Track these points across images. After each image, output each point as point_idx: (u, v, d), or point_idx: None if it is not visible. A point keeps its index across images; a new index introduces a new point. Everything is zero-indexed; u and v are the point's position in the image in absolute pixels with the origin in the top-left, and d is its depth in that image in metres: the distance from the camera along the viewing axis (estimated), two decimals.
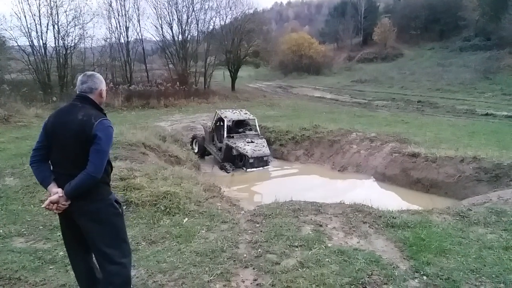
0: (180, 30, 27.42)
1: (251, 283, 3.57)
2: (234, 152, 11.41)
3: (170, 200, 5.53)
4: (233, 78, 30.63)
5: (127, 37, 26.69)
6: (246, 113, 12.90)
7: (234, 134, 11.99)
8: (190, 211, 5.36)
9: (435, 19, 44.24)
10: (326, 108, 22.00)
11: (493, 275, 3.64)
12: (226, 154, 11.60)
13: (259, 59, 46.18)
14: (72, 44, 23.26)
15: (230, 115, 12.45)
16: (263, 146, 11.67)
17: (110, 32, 26.80)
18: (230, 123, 12.22)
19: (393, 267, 3.83)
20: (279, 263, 3.89)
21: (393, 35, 45.39)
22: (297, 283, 3.48)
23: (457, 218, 5.14)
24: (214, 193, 6.65)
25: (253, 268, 3.82)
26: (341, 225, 4.90)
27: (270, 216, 5.19)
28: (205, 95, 25.71)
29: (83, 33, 24.00)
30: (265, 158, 11.36)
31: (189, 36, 28.33)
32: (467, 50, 36.90)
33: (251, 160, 11.02)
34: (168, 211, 5.30)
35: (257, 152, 11.21)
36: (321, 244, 4.31)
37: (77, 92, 2.79)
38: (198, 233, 4.70)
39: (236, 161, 11.56)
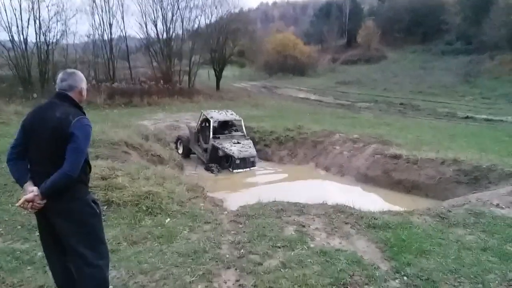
0: (164, 28, 27.22)
1: (233, 284, 3.57)
2: (220, 153, 11.31)
3: (152, 200, 5.47)
4: (218, 77, 30.51)
5: (111, 34, 26.32)
6: (232, 114, 12.78)
7: (220, 135, 11.90)
8: (172, 211, 5.32)
9: (418, 23, 44.94)
10: (310, 109, 22.12)
11: (471, 276, 3.71)
12: (212, 155, 11.47)
13: (244, 59, 46.12)
14: (54, 40, 22.89)
15: (216, 115, 12.29)
16: (250, 147, 11.64)
17: (93, 28, 26.46)
18: (216, 124, 12.06)
19: (374, 267, 3.88)
20: (262, 264, 3.89)
21: (377, 38, 45.91)
22: (279, 284, 3.49)
23: (437, 220, 5.23)
24: (197, 193, 6.60)
25: (236, 269, 3.81)
26: (324, 226, 4.93)
27: (253, 217, 5.19)
28: (189, 94, 25.54)
29: (66, 29, 23.67)
30: (251, 159, 11.33)
31: (173, 34, 28.14)
32: (449, 54, 37.64)
33: (237, 161, 10.97)
34: (150, 211, 5.25)
35: (244, 153, 11.18)
36: (304, 245, 4.33)
37: (57, 90, 2.75)
38: (180, 233, 4.66)
39: (222, 162, 11.42)
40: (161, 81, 24.79)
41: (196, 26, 31.41)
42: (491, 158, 9.06)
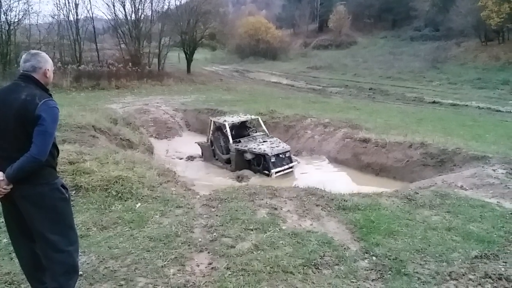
0: (133, 9, 26.37)
1: (205, 267, 3.57)
2: (248, 156, 9.86)
3: (122, 185, 5.37)
4: (189, 60, 29.99)
5: (77, 15, 25.24)
6: (245, 115, 11.56)
7: (240, 139, 10.46)
8: (143, 196, 5.24)
9: (388, 9, 45.50)
10: (282, 93, 22.15)
11: (436, 255, 3.86)
12: (238, 162, 9.99)
13: (215, 42, 45.56)
14: (16, 20, 21.75)
15: (230, 119, 10.84)
16: (279, 142, 10.31)
17: (58, 8, 25.58)
18: (230, 128, 10.50)
19: (344, 248, 3.97)
20: (234, 247, 3.91)
21: (347, 23, 46.18)
22: (251, 266, 3.52)
23: (405, 201, 5.39)
24: (168, 177, 6.53)
25: (208, 252, 3.82)
26: (295, 208, 5.00)
27: (226, 200, 5.20)
28: (159, 77, 25.01)
29: (28, 8, 22.53)
30: (287, 154, 9.87)
31: (142, 16, 27.34)
32: (417, 40, 38.38)
33: (272, 159, 9.42)
34: (120, 196, 5.15)
35: (277, 149, 9.70)
36: (276, 227, 4.37)
37: (21, 71, 2.64)
38: (152, 218, 4.61)
39: (252, 166, 9.90)
40: (130, 63, 24.13)
41: (165, 7, 30.70)
42: (456, 141, 9.37)
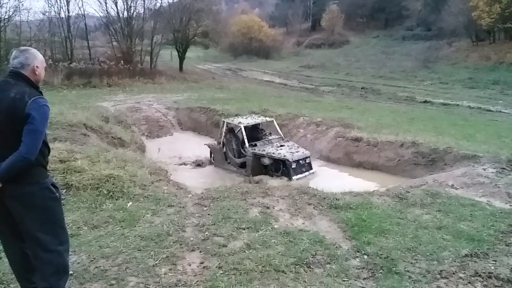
0: (125, 6, 26.13)
1: (197, 266, 3.56)
2: (266, 162, 9.38)
3: (113, 184, 5.33)
4: (181, 58, 29.84)
5: (68, 12, 25.01)
6: (259, 117, 10.98)
7: (255, 142, 9.90)
8: (134, 195, 5.21)
9: (381, 8, 45.71)
10: (275, 92, 22.15)
11: (427, 253, 3.89)
12: (255, 168, 9.43)
13: (208, 40, 45.39)
14: (6, 16, 21.45)
15: (244, 120, 10.24)
16: (298, 147, 9.83)
17: (49, 5, 24.99)
18: (245, 130, 9.83)
19: (336, 247, 3.98)
20: (226, 246, 3.91)
21: (340, 22, 46.30)
22: (243, 265, 3.52)
23: (396, 200, 5.43)
24: (160, 176, 6.51)
25: (200, 251, 3.81)
26: (288, 207, 5.00)
27: (218, 199, 5.19)
28: (151, 75, 24.85)
29: (19, 4, 22.19)
30: (307, 160, 9.44)
31: (135, 13, 27.14)
32: (409, 39, 38.60)
33: (293, 165, 8.96)
34: (111, 195, 5.11)
35: (297, 154, 9.22)
36: (268, 226, 4.38)
37: (10, 68, 2.61)
38: (143, 217, 4.58)
39: (269, 172, 9.42)
40: (122, 61, 23.93)
41: (158, 5, 30.50)
42: (447, 141, 9.45)
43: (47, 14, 24.74)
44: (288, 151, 9.35)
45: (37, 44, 22.93)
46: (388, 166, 9.45)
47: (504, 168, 6.99)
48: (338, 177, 9.43)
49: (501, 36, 29.66)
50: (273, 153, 9.29)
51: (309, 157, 9.49)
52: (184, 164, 10.75)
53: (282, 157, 9.07)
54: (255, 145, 9.73)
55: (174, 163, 10.54)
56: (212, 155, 10.91)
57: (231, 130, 10.39)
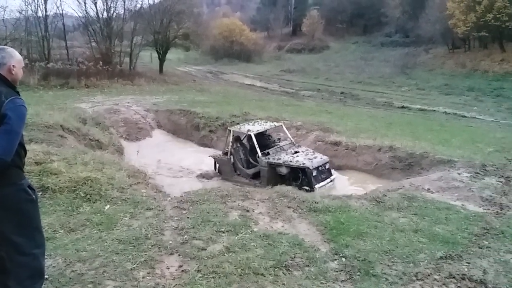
0: (105, 7, 25.76)
1: (176, 270, 3.54)
2: (284, 171, 8.52)
3: (90, 186, 5.24)
4: (161, 60, 29.57)
5: (46, 11, 24.40)
6: (267, 122, 10.26)
7: (268, 150, 9.03)
8: (112, 198, 5.13)
9: (360, 14, 46.56)
10: (256, 95, 22.21)
11: (404, 256, 3.96)
12: (270, 178, 8.60)
13: (189, 42, 45.09)
14: None
15: (252, 127, 9.45)
16: (314, 152, 9.15)
17: (26, 4, 24.41)
18: (254, 137, 8.99)
19: (315, 249, 4.02)
20: (205, 249, 3.89)
21: (320, 28, 46.88)
22: (222, 268, 3.51)
23: (374, 203, 5.51)
24: (138, 179, 6.42)
25: (179, 255, 3.78)
26: (267, 210, 5.02)
27: (198, 203, 5.16)
28: (130, 76, 24.49)
29: None
30: (327, 166, 8.77)
31: (114, 14, 26.77)
32: (388, 46, 39.45)
33: (314, 173, 8.21)
34: (88, 198, 5.02)
35: (316, 160, 8.48)
36: (248, 229, 4.38)
37: None
38: (121, 220, 4.52)
39: (287, 181, 8.26)
40: (100, 62, 23.53)
41: (138, 6, 30.17)
42: (424, 145, 9.65)
43: (23, 12, 24.15)
44: (305, 157, 8.62)
45: (13, 43, 22.30)
46: (366, 170, 9.60)
47: (478, 173, 7.18)
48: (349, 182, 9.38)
49: (476, 44, 30.54)
50: (290, 161, 8.49)
51: (328, 162, 8.84)
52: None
53: (301, 165, 8.29)
54: (268, 153, 8.90)
55: (173, 175, 9.78)
56: (218, 167, 10.05)
57: (237, 139, 9.61)
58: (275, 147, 9.32)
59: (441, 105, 19.48)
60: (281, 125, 10.15)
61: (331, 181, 8.62)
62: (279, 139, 10.10)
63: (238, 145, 9.51)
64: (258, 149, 8.78)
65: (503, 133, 12.77)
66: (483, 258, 3.99)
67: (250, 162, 9.38)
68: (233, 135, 9.48)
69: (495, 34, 27.64)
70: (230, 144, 9.49)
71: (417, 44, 35.44)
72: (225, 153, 9.67)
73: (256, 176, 9.16)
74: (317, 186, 8.07)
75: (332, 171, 9.07)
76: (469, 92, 22.62)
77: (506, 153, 9.17)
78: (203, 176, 9.79)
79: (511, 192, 6.21)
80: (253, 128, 9.37)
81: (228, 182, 9.27)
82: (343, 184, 8.98)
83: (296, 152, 8.99)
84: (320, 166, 8.47)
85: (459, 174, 7.20)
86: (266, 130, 9.74)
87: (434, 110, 18.26)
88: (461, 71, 27.36)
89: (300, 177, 8.39)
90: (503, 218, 5.10)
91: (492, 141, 11.07)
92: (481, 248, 4.21)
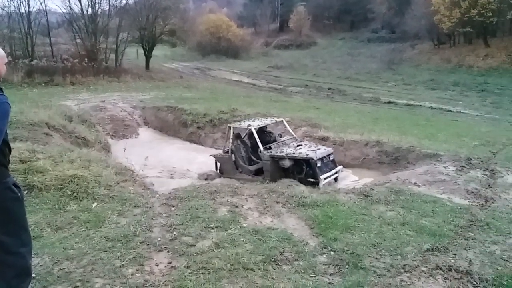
0: (89, 3, 25.42)
1: (165, 266, 3.53)
2: (287, 164, 8.30)
3: (77, 184, 5.18)
4: (148, 56, 29.31)
5: (29, 7, 23.95)
6: (267, 118, 10.18)
7: (269, 145, 8.89)
8: (99, 196, 5.09)
9: (347, 10, 46.71)
10: (244, 92, 22.17)
11: (391, 248, 4.01)
12: (273, 172, 8.43)
13: (175, 39, 44.79)
14: None
15: (253, 123, 9.37)
16: (317, 145, 9.04)
17: (8, 0, 23.99)
18: (255, 133, 8.84)
19: (304, 244, 4.04)
20: (195, 245, 3.88)
21: (307, 24, 46.88)
22: (212, 264, 3.51)
23: (361, 197, 5.57)
24: (126, 176, 6.37)
25: (168, 251, 3.77)
26: (256, 206, 5.04)
27: (186, 199, 5.15)
28: (116, 73, 24.24)
29: None
30: (331, 157, 8.58)
31: (99, 10, 26.42)
32: (374, 42, 39.68)
33: (318, 164, 8.00)
34: (75, 196, 4.97)
35: (320, 152, 8.32)
36: (237, 225, 4.39)
37: None
38: (109, 218, 4.49)
39: (291, 175, 8.24)
40: (86, 59, 23.21)
41: (124, 2, 29.83)
42: (410, 140, 9.75)
43: (6, 9, 23.68)
44: (308, 149, 8.46)
45: None
46: (354, 165, 9.66)
47: (463, 166, 7.29)
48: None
49: (461, 40, 30.92)
50: (293, 153, 8.30)
51: (332, 153, 8.67)
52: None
53: (305, 156, 8.09)
54: (270, 148, 8.72)
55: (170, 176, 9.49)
56: (219, 166, 9.81)
57: (238, 136, 9.45)
58: (276, 142, 9.18)
59: (427, 100, 19.67)
60: (282, 120, 10.05)
61: (336, 172, 8.42)
62: (280, 135, 9.94)
63: (239, 142, 9.37)
64: (259, 144, 8.63)
65: (488, 127, 12.96)
66: (469, 249, 4.06)
67: (251, 159, 9.24)
68: (233, 132, 9.29)
69: (479, 30, 28.04)
70: (231, 141, 9.29)
71: (403, 40, 35.74)
72: (226, 152, 9.46)
73: (258, 172, 9.00)
74: (322, 176, 7.85)
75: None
76: (454, 87, 22.87)
77: (491, 147, 9.32)
78: (206, 178, 9.35)
79: (496, 185, 6.33)
80: (254, 123, 9.26)
81: (231, 180, 8.76)
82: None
83: (299, 145, 8.84)
84: (324, 157, 8.30)
85: (445, 167, 7.30)
86: (266, 126, 9.63)
87: (420, 105, 18.43)
88: (447, 66, 27.68)
89: (304, 169, 8.17)
90: (488, 210, 5.20)
91: (477, 135, 11.24)
92: (467, 240, 4.28)
